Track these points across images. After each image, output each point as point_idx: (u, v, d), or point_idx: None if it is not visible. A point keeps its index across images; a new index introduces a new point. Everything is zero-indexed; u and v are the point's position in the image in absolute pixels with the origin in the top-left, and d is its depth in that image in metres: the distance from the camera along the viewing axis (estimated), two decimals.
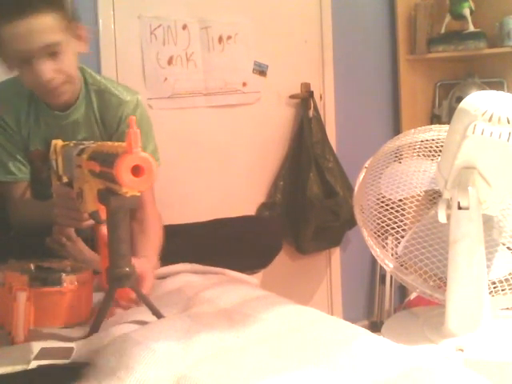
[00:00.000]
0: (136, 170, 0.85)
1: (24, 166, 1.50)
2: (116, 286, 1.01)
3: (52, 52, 1.30)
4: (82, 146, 1.10)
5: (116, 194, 0.92)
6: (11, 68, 1.37)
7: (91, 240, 1.27)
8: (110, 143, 0.98)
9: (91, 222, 1.17)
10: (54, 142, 1.27)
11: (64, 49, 1.32)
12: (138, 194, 0.91)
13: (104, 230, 1.09)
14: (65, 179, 1.21)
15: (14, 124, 1.46)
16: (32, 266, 1.16)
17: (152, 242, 1.40)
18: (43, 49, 1.28)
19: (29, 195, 1.52)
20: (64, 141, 1.28)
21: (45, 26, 1.27)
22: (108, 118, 1.50)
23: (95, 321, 1.02)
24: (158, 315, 1.05)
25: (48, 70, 1.30)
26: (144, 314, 1.09)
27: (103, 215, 1.05)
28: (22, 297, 1.00)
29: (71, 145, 1.17)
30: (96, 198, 1.01)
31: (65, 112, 1.46)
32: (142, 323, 1.03)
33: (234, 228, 1.62)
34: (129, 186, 0.86)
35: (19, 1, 1.26)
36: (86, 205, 1.09)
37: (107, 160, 0.90)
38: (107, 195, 0.94)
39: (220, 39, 2.31)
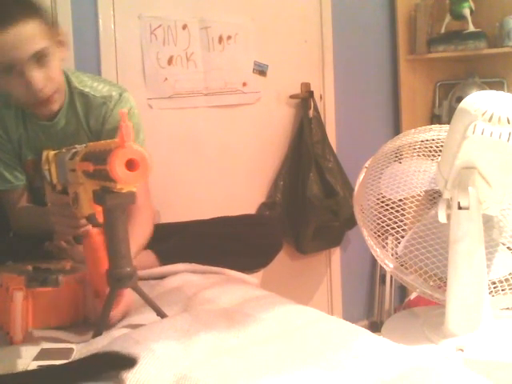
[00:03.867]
0: (130, 165, 0.83)
1: (20, 172, 1.50)
2: (117, 287, 0.99)
3: (40, 59, 1.28)
4: (74, 150, 1.09)
5: (111, 192, 0.90)
6: None
7: None
8: (102, 142, 0.97)
9: (88, 228, 1.17)
10: (45, 151, 1.25)
11: (51, 55, 1.31)
12: (134, 190, 0.90)
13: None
14: (59, 187, 1.20)
15: (3, 133, 1.45)
16: (30, 268, 1.16)
17: (134, 239, 1.38)
18: (32, 56, 1.27)
19: (26, 199, 1.52)
20: (54, 149, 1.25)
21: (31, 33, 1.26)
22: (93, 119, 1.49)
23: (98, 324, 1.01)
24: (162, 315, 1.05)
25: (39, 78, 1.29)
26: (145, 314, 1.09)
27: (100, 218, 1.04)
28: (19, 296, 1.00)
29: (63, 151, 1.16)
30: (91, 200, 1.00)
31: (51, 121, 1.45)
32: (145, 324, 1.03)
33: (234, 227, 1.62)
34: (124, 180, 0.84)
35: (1, 12, 1.24)
36: (81, 208, 1.08)
37: (100, 157, 0.88)
38: (102, 194, 0.92)
39: (220, 39, 2.31)
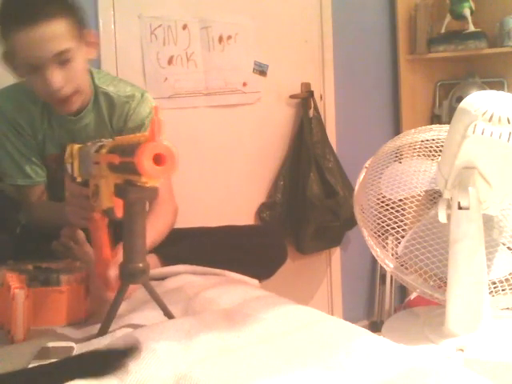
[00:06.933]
0: (157, 159, 0.83)
1: (41, 169, 1.51)
2: (129, 282, 0.99)
3: (63, 60, 1.29)
4: (100, 143, 1.09)
5: (134, 185, 0.90)
6: (22, 76, 1.37)
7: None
8: (131, 135, 0.97)
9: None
10: (69, 145, 1.26)
11: (75, 56, 1.31)
12: (157, 185, 0.89)
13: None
14: (79, 180, 1.20)
15: (29, 128, 1.47)
16: (30, 267, 1.16)
17: (153, 229, 1.37)
18: (55, 56, 1.27)
19: (45, 198, 1.53)
20: (79, 143, 1.26)
21: (57, 33, 1.26)
22: (115, 118, 1.51)
23: (104, 322, 1.00)
24: (169, 315, 1.04)
25: (58, 78, 1.29)
26: (146, 311, 1.09)
27: (118, 212, 1.03)
28: (21, 295, 1.00)
29: (89, 144, 1.16)
30: (112, 194, 1.00)
31: (76, 116, 1.46)
32: (147, 322, 1.03)
33: (240, 237, 1.61)
34: (149, 174, 0.83)
35: (31, 7, 1.24)
36: (101, 201, 1.07)
37: (128, 150, 0.88)
38: (125, 187, 0.92)
39: (220, 39, 2.31)
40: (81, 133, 1.48)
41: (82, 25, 1.35)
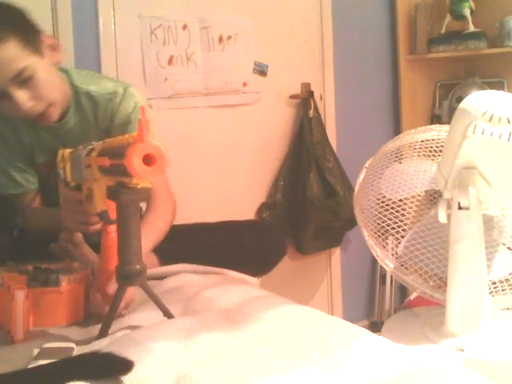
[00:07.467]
0: (147, 160, 0.83)
1: (32, 176, 1.50)
2: (126, 284, 0.98)
3: (24, 78, 1.25)
4: (90, 147, 1.09)
5: (126, 187, 0.90)
6: None
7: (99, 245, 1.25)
8: (120, 137, 0.97)
9: (99, 226, 1.15)
10: (61, 150, 1.24)
11: (36, 71, 1.26)
12: (149, 186, 0.89)
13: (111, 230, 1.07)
14: (72, 184, 1.20)
15: (14, 137, 1.45)
16: (30, 267, 1.16)
17: (154, 227, 1.38)
18: (15, 78, 1.24)
19: (38, 202, 1.53)
20: (70, 148, 1.24)
21: (10, 54, 1.21)
22: (101, 117, 1.48)
23: (104, 324, 1.00)
24: (169, 315, 1.04)
25: (25, 99, 1.27)
26: (145, 312, 1.09)
27: (112, 215, 1.03)
28: (20, 295, 1.00)
29: (80, 148, 1.15)
30: (105, 196, 0.99)
31: (59, 122, 1.43)
32: (146, 322, 1.03)
33: (239, 234, 1.61)
34: (140, 175, 0.83)
35: None
36: (94, 205, 1.07)
37: (118, 152, 0.88)
38: (117, 189, 0.92)
39: (220, 39, 2.31)
40: (68, 136, 1.46)
41: (35, 35, 1.29)
